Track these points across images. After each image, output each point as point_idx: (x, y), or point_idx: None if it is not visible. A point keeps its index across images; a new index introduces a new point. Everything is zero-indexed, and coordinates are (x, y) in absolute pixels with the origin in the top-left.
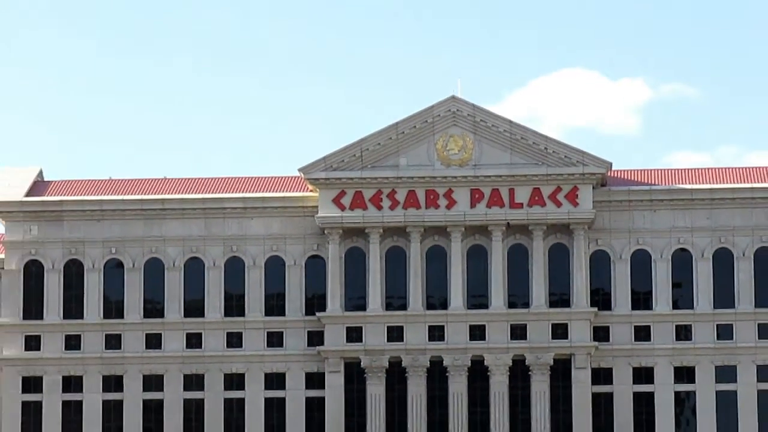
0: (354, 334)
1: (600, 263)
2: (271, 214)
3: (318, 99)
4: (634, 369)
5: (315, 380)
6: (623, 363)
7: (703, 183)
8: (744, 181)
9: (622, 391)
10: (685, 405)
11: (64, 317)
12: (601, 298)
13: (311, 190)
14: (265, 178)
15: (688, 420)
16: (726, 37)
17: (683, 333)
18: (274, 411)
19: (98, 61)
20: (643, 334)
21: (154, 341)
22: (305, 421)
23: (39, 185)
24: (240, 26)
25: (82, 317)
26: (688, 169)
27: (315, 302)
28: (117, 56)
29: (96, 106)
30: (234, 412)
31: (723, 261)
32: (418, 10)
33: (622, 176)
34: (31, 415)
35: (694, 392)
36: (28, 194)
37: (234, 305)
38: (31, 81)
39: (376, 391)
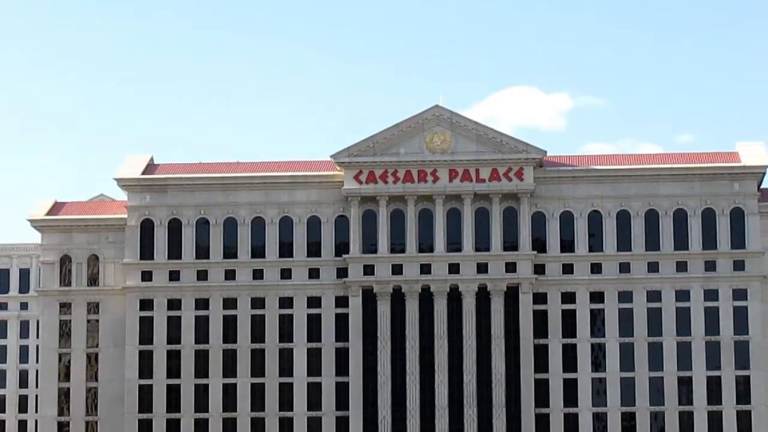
0: (369, 269)
1: (538, 220)
2: (312, 187)
3: (343, 107)
4: (562, 293)
5: (342, 301)
6: (554, 289)
7: (609, 164)
8: (638, 163)
9: (554, 309)
10: (597, 318)
11: (168, 258)
12: (539, 245)
13: (339, 170)
14: (307, 161)
15: (599, 328)
16: (625, 64)
17: (595, 268)
18: (314, 323)
19: (190, 71)
20: (568, 269)
21: (230, 274)
22: (335, 330)
23: (151, 167)
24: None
25: (180, 258)
26: (599, 155)
27: (342, 247)
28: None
29: (186, 111)
30: (286, 323)
31: (623, 219)
32: (416, 41)
33: (554, 160)
34: (146, 326)
35: (603, 309)
36: (143, 173)
37: (286, 249)
38: (143, 91)
39: (383, 309)
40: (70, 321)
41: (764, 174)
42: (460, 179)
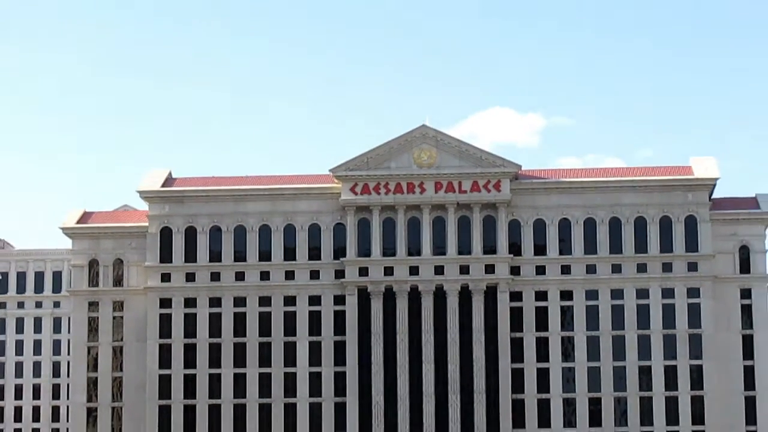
0: (363, 271)
1: (514, 227)
2: (313, 198)
3: (341, 126)
4: (536, 292)
5: (340, 300)
6: (529, 288)
7: (577, 177)
8: (603, 176)
9: (528, 306)
10: (567, 314)
11: (185, 261)
12: (515, 249)
13: (337, 183)
14: (309, 175)
15: (569, 323)
16: (592, 88)
17: (565, 269)
18: (315, 319)
19: (205, 96)
20: (540, 270)
21: (240, 276)
22: (333, 325)
23: (169, 180)
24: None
25: (195, 261)
26: (568, 169)
27: (339, 251)
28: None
29: (201, 129)
30: (290, 320)
31: (589, 225)
32: (407, 66)
33: (528, 173)
34: (165, 322)
35: (572, 306)
36: (163, 186)
37: (290, 253)
38: (163, 111)
39: (377, 306)
40: (98, 318)
41: (714, 185)
42: (444, 190)
